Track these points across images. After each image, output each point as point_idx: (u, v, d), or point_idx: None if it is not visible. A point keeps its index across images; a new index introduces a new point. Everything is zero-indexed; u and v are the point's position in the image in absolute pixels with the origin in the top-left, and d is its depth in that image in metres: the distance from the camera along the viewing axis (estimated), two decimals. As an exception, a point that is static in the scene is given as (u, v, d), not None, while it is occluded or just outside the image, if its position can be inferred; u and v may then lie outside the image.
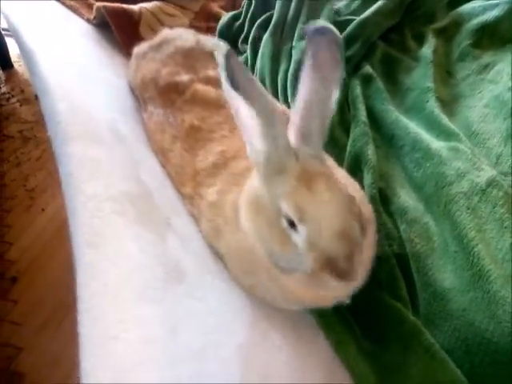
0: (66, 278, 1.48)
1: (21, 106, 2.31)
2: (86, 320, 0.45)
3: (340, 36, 0.56)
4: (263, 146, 0.53)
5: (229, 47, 0.51)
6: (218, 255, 0.67)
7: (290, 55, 1.06)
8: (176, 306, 0.50)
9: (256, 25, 1.20)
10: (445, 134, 0.85)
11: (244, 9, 1.29)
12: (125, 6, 1.35)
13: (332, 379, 0.57)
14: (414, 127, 0.88)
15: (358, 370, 0.57)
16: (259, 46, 1.15)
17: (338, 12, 1.18)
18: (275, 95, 1.04)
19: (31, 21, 0.96)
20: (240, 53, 1.26)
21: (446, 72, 1.04)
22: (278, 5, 1.19)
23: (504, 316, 0.53)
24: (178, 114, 0.85)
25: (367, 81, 1.02)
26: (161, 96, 0.90)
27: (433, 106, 0.92)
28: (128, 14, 1.33)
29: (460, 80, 1.04)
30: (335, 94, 0.56)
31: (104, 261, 0.49)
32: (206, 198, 0.69)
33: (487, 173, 0.73)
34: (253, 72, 1.14)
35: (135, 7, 1.36)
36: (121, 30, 1.31)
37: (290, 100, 0.99)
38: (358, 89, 0.98)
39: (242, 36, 1.25)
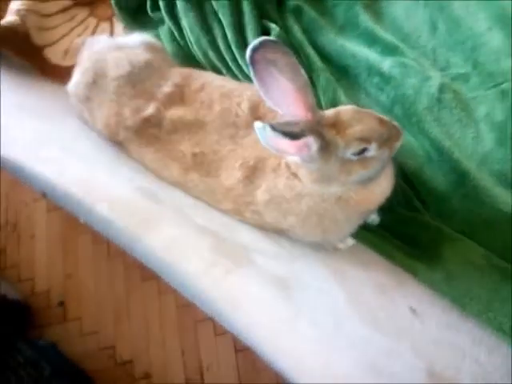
0: (103, 286, 1.65)
1: None
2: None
3: (270, 38, 0.68)
4: (319, 153, 0.69)
5: (268, 124, 0.61)
6: (285, 235, 0.86)
7: (218, 19, 1.06)
8: (299, 297, 0.75)
9: (159, -13, 1.12)
10: (387, 48, 0.99)
11: (130, -32, 1.16)
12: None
13: (392, 272, 0.87)
14: (361, 51, 1.00)
15: (405, 265, 0.86)
16: (177, 13, 1.11)
17: None
18: (223, 66, 1.07)
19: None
20: (154, 22, 1.19)
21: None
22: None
23: (481, 205, 0.81)
24: (170, 147, 0.90)
25: (299, 14, 1.07)
26: (140, 136, 0.92)
27: (365, 20, 1.03)
28: (13, 31, 1.16)
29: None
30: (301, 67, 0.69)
31: (243, 308, 0.69)
32: (258, 201, 0.83)
33: (435, 80, 0.92)
34: (185, 43, 1.13)
35: (11, 18, 1.17)
36: (21, 53, 1.18)
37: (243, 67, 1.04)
38: (298, 31, 1.04)
39: (149, 2, 1.16)
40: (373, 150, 0.71)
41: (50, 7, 1.26)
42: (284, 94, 0.70)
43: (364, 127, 0.70)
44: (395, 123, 0.73)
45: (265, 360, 0.69)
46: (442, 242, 0.84)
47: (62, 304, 1.69)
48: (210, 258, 0.75)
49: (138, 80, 0.95)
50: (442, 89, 0.91)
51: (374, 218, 0.93)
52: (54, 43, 1.24)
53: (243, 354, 1.50)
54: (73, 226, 1.79)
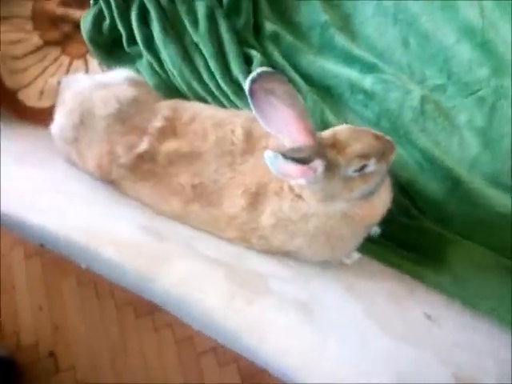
0: (95, 329, 1.58)
1: None
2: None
3: (267, 68, 0.70)
4: (323, 174, 0.72)
5: (280, 152, 0.64)
6: (292, 257, 0.87)
7: (199, 50, 1.07)
8: (321, 318, 0.76)
9: (135, 22, 1.11)
10: (365, 66, 1.04)
11: (103, 4, 1.14)
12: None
13: (401, 280, 0.89)
14: (341, 71, 1.04)
15: (412, 271, 0.89)
16: (156, 46, 1.11)
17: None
18: (208, 94, 1.08)
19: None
20: (131, 57, 1.18)
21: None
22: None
23: (476, 207, 0.86)
24: (168, 181, 0.89)
25: (276, 39, 1.10)
26: (135, 172, 0.91)
27: (340, 40, 1.08)
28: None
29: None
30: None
31: (270, 338, 0.69)
32: (264, 226, 0.84)
33: (415, 93, 0.97)
34: (167, 75, 1.12)
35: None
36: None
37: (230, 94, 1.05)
38: (278, 56, 1.07)
39: (125, 37, 1.15)
40: (372, 165, 0.74)
41: (20, 49, 1.23)
42: (285, 121, 0.71)
43: (362, 145, 0.73)
44: (388, 137, 0.77)
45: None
46: (443, 246, 0.87)
47: (52, 354, 1.59)
48: (228, 289, 0.74)
49: (127, 117, 0.93)
50: (423, 101, 0.96)
51: (376, 230, 0.95)
52: (27, 85, 1.21)
53: (249, 382, 1.47)
54: (55, 270, 1.71)
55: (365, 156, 0.73)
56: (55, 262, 1.68)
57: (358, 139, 0.74)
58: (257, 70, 0.68)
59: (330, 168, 0.72)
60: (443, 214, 0.90)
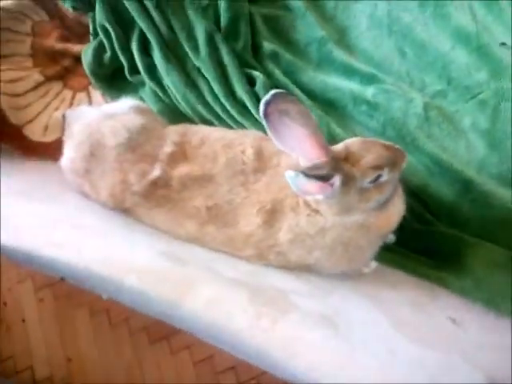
0: (111, 358, 1.56)
1: None
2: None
3: (280, 90, 0.71)
4: (340, 188, 0.73)
5: (300, 171, 0.66)
6: (310, 270, 0.87)
7: (202, 74, 1.09)
8: (347, 331, 0.75)
9: (136, 52, 1.13)
10: (365, 77, 1.06)
11: (103, 37, 1.17)
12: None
13: (422, 288, 0.90)
14: (342, 84, 1.06)
15: (434, 278, 0.89)
16: (158, 73, 1.13)
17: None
18: (214, 117, 1.09)
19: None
20: (133, 86, 1.20)
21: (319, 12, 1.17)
22: (138, 19, 1.12)
23: (490, 208, 0.87)
24: (183, 205, 0.90)
25: (275, 58, 1.12)
26: (149, 199, 0.91)
27: (339, 54, 1.10)
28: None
29: (332, 10, 1.19)
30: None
31: (299, 354, 0.69)
32: (281, 242, 0.85)
33: (418, 100, 0.99)
34: (171, 101, 1.14)
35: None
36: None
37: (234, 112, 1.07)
38: (280, 74, 1.09)
39: (127, 67, 1.17)
40: (386, 175, 0.75)
41: (21, 86, 1.24)
42: (299, 140, 0.73)
43: (375, 156, 0.75)
44: (398, 146, 0.78)
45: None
46: (462, 249, 0.88)
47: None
48: (253, 310, 0.74)
49: (137, 145, 0.94)
50: (426, 107, 0.98)
51: (391, 237, 0.96)
52: (31, 121, 1.22)
53: (270, 399, 1.46)
54: (66, 301, 1.70)
55: (378, 166, 0.74)
56: (66, 294, 1.67)
57: (370, 150, 0.76)
58: (270, 93, 0.69)
59: (347, 181, 0.74)
60: (458, 217, 0.91)
